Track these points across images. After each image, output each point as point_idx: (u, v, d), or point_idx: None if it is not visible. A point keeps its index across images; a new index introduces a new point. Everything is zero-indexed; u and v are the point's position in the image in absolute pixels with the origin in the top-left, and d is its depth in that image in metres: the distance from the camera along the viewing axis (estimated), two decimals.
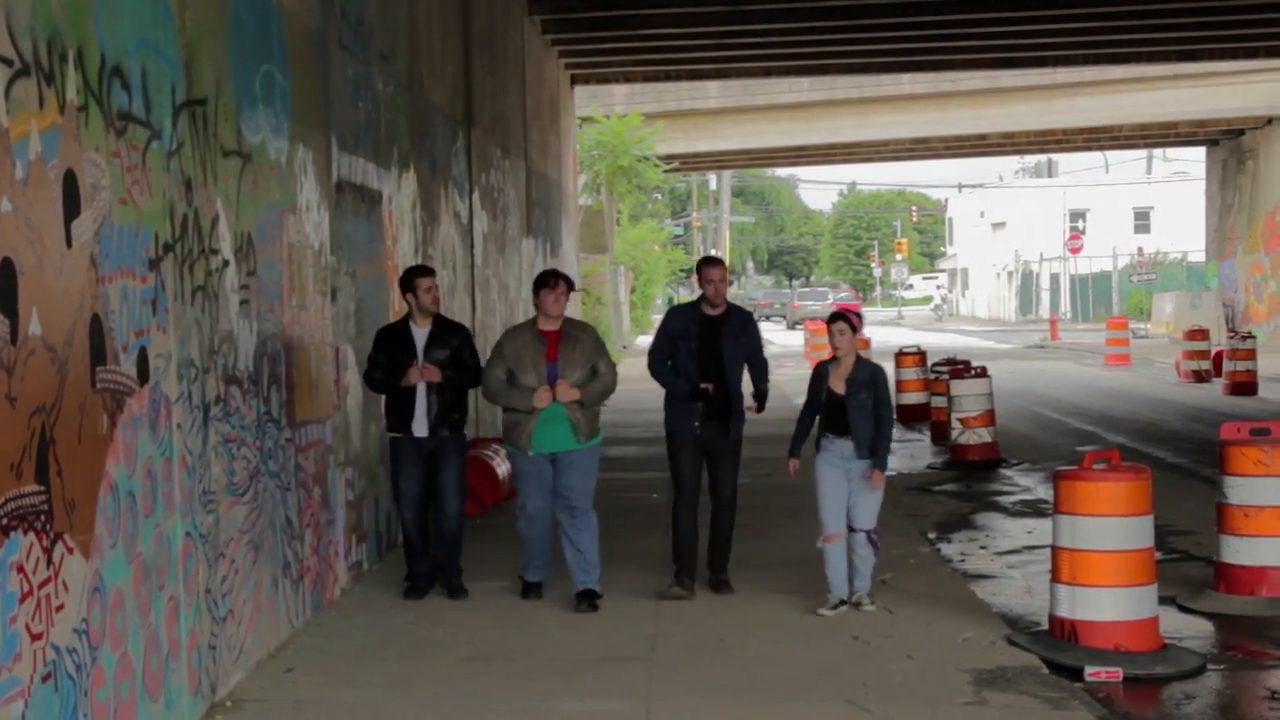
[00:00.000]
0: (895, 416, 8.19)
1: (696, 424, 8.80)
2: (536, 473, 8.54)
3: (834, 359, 8.44)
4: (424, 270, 9.11)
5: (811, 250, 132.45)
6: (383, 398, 9.23)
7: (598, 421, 8.66)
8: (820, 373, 8.48)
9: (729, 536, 9.04)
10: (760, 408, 9.01)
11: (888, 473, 8.66)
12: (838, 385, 8.34)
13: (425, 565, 8.98)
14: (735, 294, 76.93)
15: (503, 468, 12.24)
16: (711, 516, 9.05)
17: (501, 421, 8.91)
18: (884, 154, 43.67)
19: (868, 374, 8.34)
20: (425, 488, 8.92)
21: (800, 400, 9.17)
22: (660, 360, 8.95)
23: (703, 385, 8.70)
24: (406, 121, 11.08)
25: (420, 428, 8.80)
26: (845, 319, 8.29)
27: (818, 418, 8.46)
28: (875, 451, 8.26)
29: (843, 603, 8.37)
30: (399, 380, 8.76)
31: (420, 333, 8.84)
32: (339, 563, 8.96)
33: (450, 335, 8.92)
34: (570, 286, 8.65)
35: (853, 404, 8.26)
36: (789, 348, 41.25)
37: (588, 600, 8.55)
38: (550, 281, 8.57)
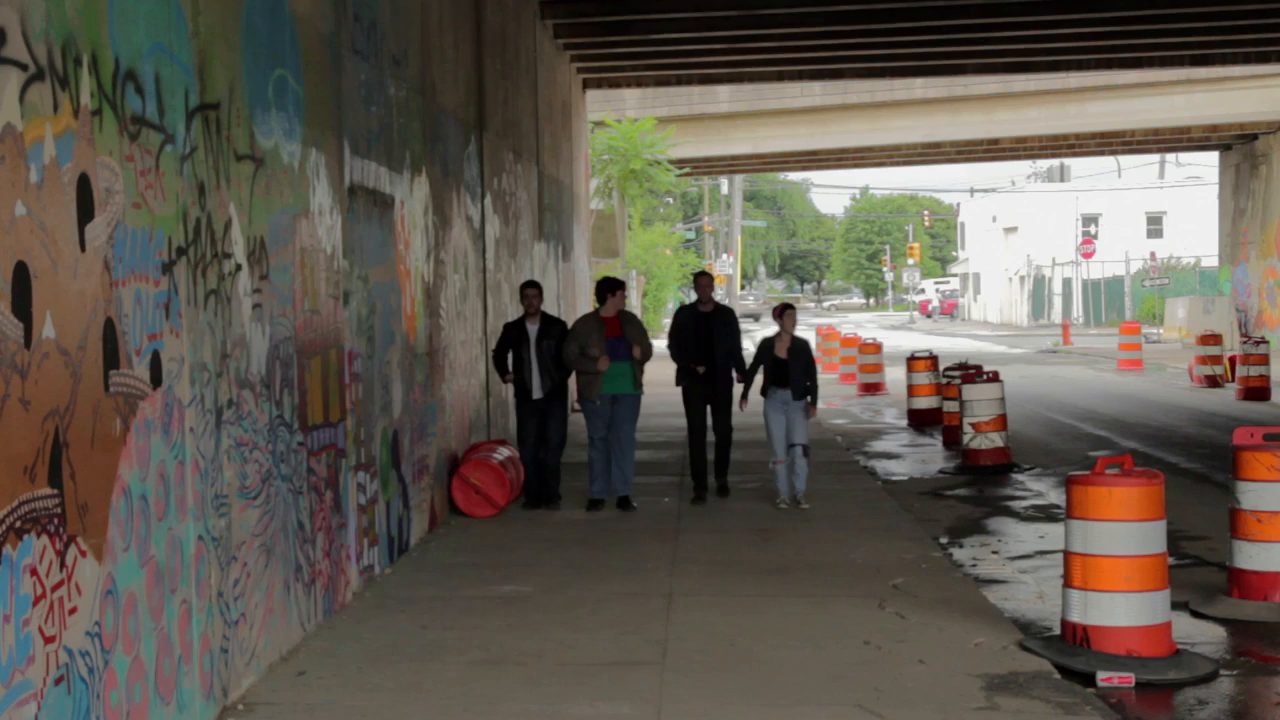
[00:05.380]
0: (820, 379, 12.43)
1: (698, 383, 12.73)
2: (603, 412, 12.28)
3: (778, 334, 12.38)
4: (528, 283, 12.56)
5: (823, 254, 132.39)
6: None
7: (642, 379, 12.35)
8: (766, 343, 12.43)
9: (727, 454, 13.11)
10: (744, 395, 12.57)
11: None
12: (781, 352, 12.33)
13: (536, 486, 12.59)
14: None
15: (510, 471, 12.31)
16: (715, 444, 13.01)
17: (577, 382, 12.33)
18: (896, 158, 43.58)
19: (801, 344, 12.41)
20: (539, 434, 12.47)
21: None
22: (674, 345, 12.90)
23: (699, 368, 12.71)
24: (419, 126, 11.10)
25: (537, 392, 12.40)
26: (790, 308, 12.60)
27: (762, 376, 12.34)
28: (810, 394, 12.30)
29: (787, 502, 12.34)
30: (513, 363, 12.44)
31: (532, 328, 12.41)
32: (350, 566, 8.98)
33: (552, 328, 12.44)
34: (624, 290, 12.48)
35: (792, 365, 12.26)
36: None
37: (624, 505, 12.42)
38: (614, 290, 12.26)
